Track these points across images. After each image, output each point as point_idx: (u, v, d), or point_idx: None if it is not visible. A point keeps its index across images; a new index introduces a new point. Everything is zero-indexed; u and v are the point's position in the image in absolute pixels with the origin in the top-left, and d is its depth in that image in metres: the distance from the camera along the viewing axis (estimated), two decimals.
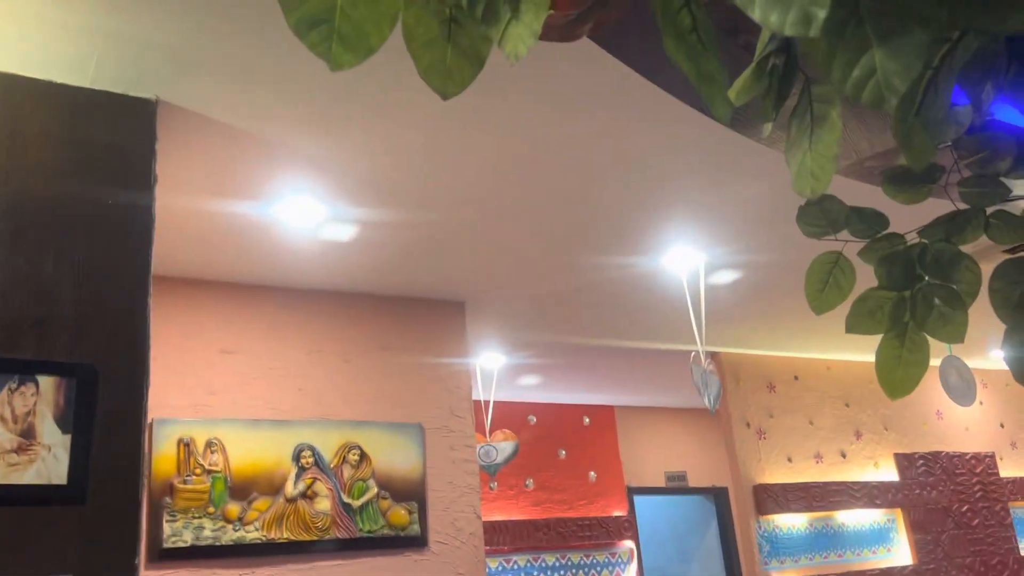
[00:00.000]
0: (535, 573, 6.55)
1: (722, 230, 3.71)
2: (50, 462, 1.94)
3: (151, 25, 2.09)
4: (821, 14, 0.61)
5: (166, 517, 3.27)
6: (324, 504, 3.59)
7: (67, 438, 1.98)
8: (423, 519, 3.81)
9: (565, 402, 7.10)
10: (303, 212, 3.15)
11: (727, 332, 5.29)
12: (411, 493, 3.81)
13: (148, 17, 2.06)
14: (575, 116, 2.73)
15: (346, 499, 3.64)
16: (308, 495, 3.57)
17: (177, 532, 3.26)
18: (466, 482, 4.02)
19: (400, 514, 3.75)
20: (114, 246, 2.16)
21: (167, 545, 3.24)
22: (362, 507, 3.67)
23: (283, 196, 3.04)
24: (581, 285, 4.29)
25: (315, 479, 3.60)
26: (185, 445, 3.38)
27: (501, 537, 6.43)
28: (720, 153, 3.03)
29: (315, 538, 3.52)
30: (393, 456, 3.81)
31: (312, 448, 3.64)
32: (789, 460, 5.77)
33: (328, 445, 3.68)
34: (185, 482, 3.34)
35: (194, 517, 3.31)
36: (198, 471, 3.38)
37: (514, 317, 4.73)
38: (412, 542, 3.76)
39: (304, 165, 2.87)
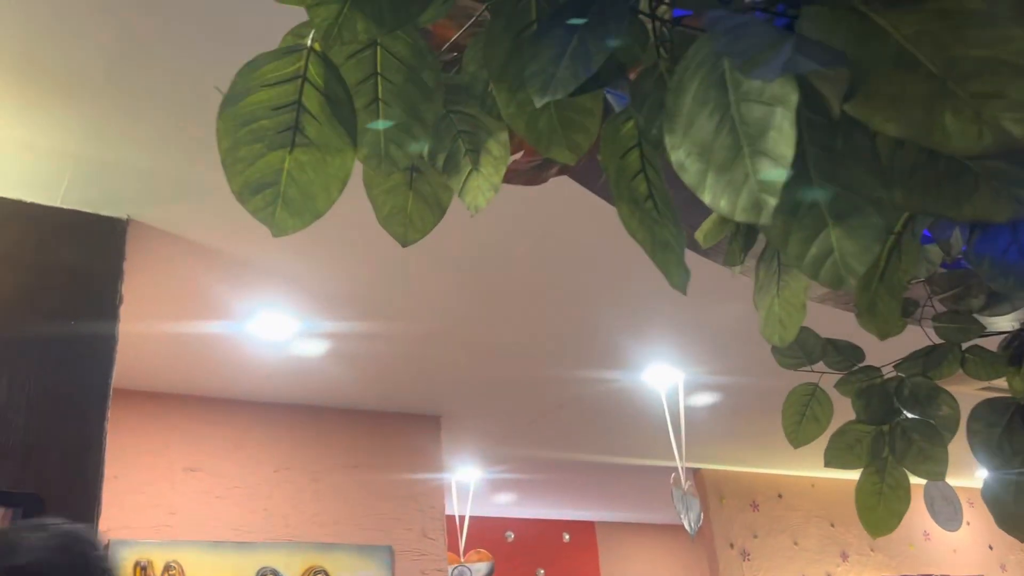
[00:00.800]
0: None
1: (701, 349, 3.68)
2: None
3: (123, 148, 2.09)
4: (772, 202, 0.59)
5: None
6: None
7: None
8: None
9: (544, 517, 6.90)
10: (275, 327, 3.11)
11: (708, 449, 5.21)
12: None
13: (120, 141, 2.06)
14: (554, 232, 2.73)
15: None
16: None
17: None
18: None
19: None
20: (73, 371, 2.10)
21: None
22: None
23: (255, 312, 3.00)
24: (559, 400, 4.22)
25: None
26: (142, 569, 3.22)
27: None
28: (698, 273, 3.03)
29: None
30: None
31: (275, 572, 3.47)
32: None
33: (292, 569, 3.52)
34: None
35: None
36: None
37: (492, 431, 4.64)
38: None
39: (277, 281, 2.84)
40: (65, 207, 2.24)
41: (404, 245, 0.97)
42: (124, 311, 2.28)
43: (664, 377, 3.88)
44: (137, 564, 3.23)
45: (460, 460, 5.03)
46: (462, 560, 5.15)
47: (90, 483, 2.03)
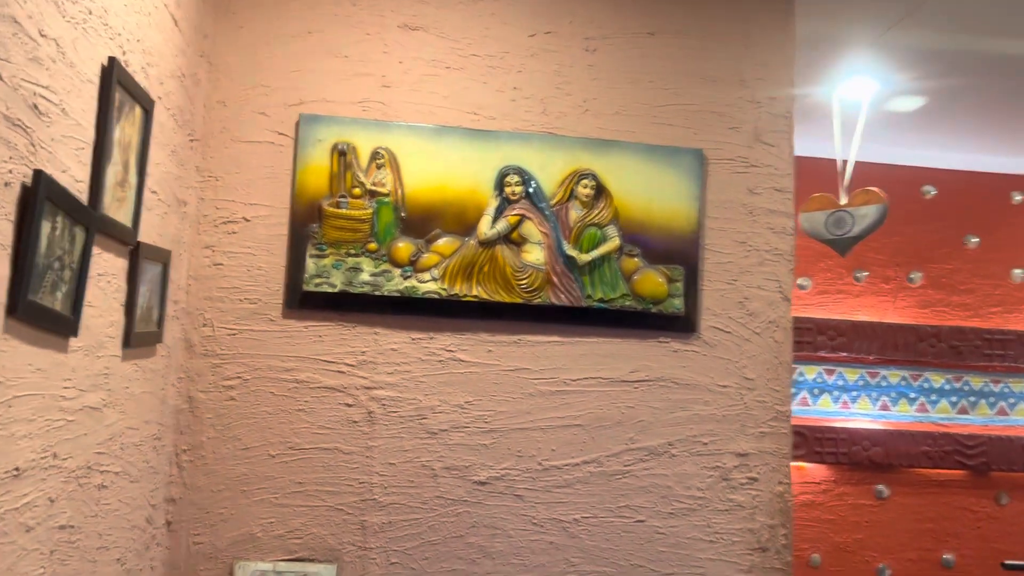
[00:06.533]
0: (912, 394, 4.93)
1: None
2: None
3: None
4: None
5: (311, 251, 2.38)
6: (536, 254, 2.45)
7: None
8: (691, 292, 2.50)
9: (982, 169, 5.03)
10: None
11: None
12: (674, 252, 2.50)
13: None
14: None
15: (570, 250, 2.46)
16: (513, 239, 2.45)
17: (324, 272, 2.38)
18: (770, 244, 2.59)
19: (655, 281, 2.48)
20: None
21: (309, 288, 2.37)
22: (594, 264, 2.46)
23: None
24: None
25: (524, 217, 2.46)
26: (341, 154, 2.42)
27: (866, 343, 4.85)
28: None
29: (519, 300, 2.43)
30: (650, 195, 2.50)
31: (524, 173, 2.47)
32: None
33: (549, 171, 2.48)
34: (339, 205, 2.40)
35: (349, 254, 2.39)
36: (358, 191, 2.41)
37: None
38: (671, 323, 2.50)
39: None
40: None
41: None
42: None
43: None
44: (335, 148, 2.42)
45: (832, 57, 3.43)
46: (841, 204, 3.73)
47: None
